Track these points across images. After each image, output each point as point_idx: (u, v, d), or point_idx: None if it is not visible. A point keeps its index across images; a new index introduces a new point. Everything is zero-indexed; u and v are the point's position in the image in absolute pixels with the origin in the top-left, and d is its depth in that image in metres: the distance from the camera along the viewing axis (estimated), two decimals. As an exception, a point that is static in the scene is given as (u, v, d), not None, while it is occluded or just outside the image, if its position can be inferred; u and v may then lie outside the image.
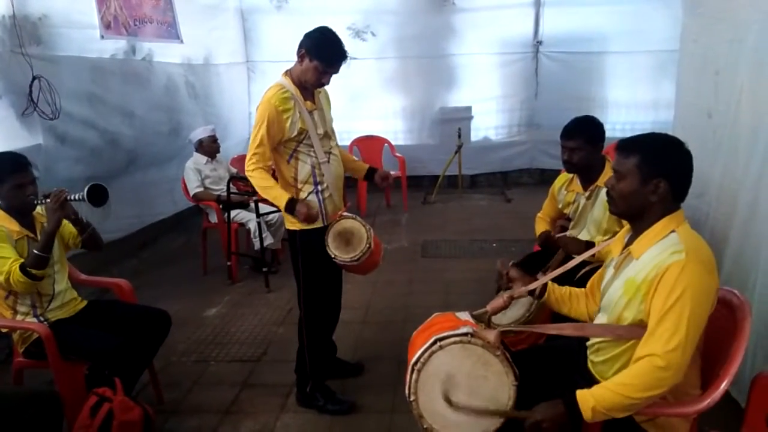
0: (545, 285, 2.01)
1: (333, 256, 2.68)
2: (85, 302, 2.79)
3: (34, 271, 2.38)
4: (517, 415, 1.63)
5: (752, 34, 2.50)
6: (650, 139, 1.74)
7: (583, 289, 2.04)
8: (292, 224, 2.70)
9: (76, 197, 2.47)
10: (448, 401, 1.62)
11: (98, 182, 2.50)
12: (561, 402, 1.59)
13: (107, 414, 2.32)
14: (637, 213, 1.73)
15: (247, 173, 2.62)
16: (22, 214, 2.54)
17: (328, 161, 2.69)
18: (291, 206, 2.58)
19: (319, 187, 2.68)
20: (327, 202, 2.71)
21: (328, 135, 2.74)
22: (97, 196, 2.48)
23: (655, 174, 1.66)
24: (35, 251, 2.40)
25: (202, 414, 2.86)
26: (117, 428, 2.31)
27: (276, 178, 2.71)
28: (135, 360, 2.63)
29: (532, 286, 1.97)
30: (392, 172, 3.14)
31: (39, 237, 2.54)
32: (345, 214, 2.76)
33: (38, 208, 2.61)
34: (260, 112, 2.56)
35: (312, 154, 2.64)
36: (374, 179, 2.95)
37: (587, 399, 1.56)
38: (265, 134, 2.54)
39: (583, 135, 2.75)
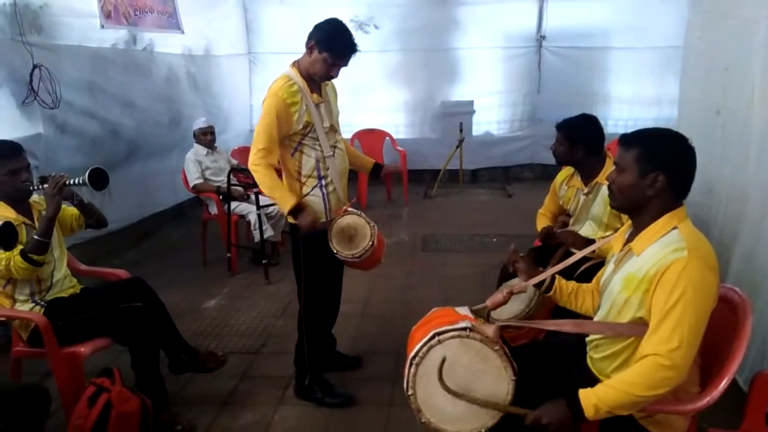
0: (552, 279, 2.00)
1: (335, 251, 2.65)
2: (79, 288, 2.78)
3: (35, 257, 2.38)
4: (518, 412, 1.61)
5: (763, 29, 2.45)
6: (651, 133, 1.72)
7: (590, 285, 2.02)
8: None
9: (77, 181, 2.49)
10: (447, 389, 1.61)
11: (98, 166, 2.51)
12: (564, 403, 1.58)
13: (105, 404, 2.32)
14: (635, 207, 1.72)
15: (251, 168, 2.53)
16: (18, 201, 2.53)
17: (334, 155, 2.64)
18: (296, 212, 2.52)
19: (323, 182, 2.64)
20: (331, 196, 2.67)
21: (334, 128, 2.69)
22: (98, 179, 2.50)
23: (653, 167, 1.64)
24: (35, 236, 2.40)
25: (201, 405, 2.85)
26: (115, 418, 2.31)
27: (280, 173, 2.64)
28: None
29: (533, 281, 1.97)
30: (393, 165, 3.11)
31: (37, 224, 2.53)
32: (350, 209, 2.71)
33: (35, 196, 2.61)
34: (267, 106, 2.48)
35: (317, 147, 2.59)
36: (380, 176, 2.94)
37: (590, 398, 1.55)
38: (274, 129, 2.46)
39: (564, 131, 2.77)
